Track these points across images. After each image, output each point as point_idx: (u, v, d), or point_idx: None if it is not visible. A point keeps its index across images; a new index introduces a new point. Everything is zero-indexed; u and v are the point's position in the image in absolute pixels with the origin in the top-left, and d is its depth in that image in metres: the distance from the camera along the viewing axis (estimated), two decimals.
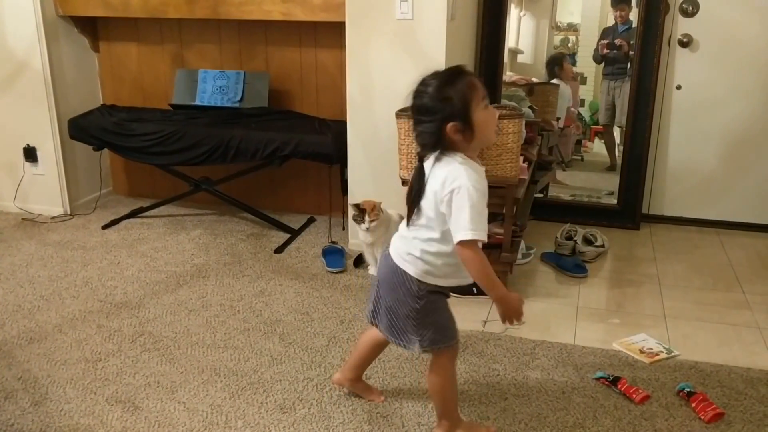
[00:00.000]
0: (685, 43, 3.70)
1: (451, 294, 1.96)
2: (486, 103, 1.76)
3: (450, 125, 1.72)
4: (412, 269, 1.85)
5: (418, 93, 1.77)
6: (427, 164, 1.81)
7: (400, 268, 1.87)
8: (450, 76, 1.75)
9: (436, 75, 1.77)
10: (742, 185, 3.81)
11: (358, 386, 2.21)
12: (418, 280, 1.85)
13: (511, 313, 1.80)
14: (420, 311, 1.87)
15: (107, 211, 4.00)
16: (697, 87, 3.75)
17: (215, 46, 3.91)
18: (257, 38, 3.82)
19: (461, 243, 1.72)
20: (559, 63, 4.28)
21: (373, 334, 2.10)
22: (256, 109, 3.69)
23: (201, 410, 2.15)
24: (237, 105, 3.74)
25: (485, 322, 2.72)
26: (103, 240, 3.60)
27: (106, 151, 3.86)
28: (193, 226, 3.81)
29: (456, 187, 1.72)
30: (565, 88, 4.27)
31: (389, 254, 1.93)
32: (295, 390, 2.26)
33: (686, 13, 3.67)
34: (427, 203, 1.79)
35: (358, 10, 3.14)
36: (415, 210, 1.83)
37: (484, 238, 1.72)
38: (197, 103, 3.79)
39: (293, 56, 3.79)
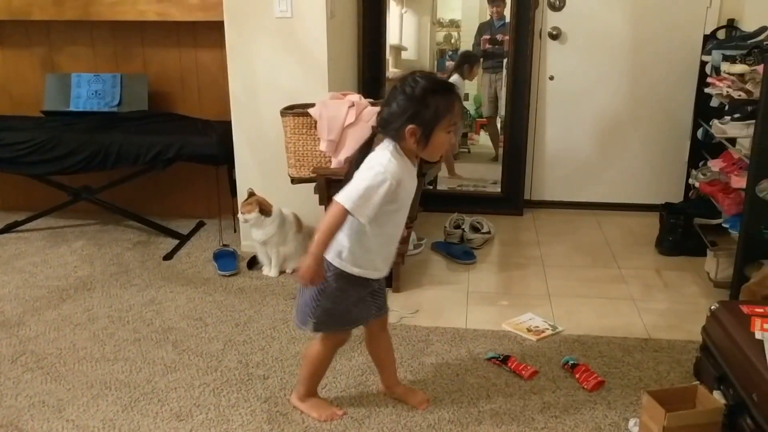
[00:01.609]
0: (555, 35, 3.89)
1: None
2: (452, 129, 1.81)
3: (411, 126, 1.77)
4: (329, 252, 1.89)
5: (406, 82, 1.80)
6: (377, 140, 1.86)
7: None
8: (439, 87, 1.80)
9: (429, 78, 1.82)
10: (615, 168, 4.06)
11: (397, 391, 2.20)
12: (329, 262, 1.89)
13: (309, 274, 1.82)
14: (321, 292, 1.92)
15: None
16: (568, 77, 3.96)
17: (88, 49, 3.74)
18: (133, 39, 3.69)
19: (335, 199, 1.79)
20: (470, 62, 4.34)
21: (367, 338, 2.16)
22: (135, 112, 3.57)
23: (92, 426, 2.06)
24: (115, 109, 3.60)
25: None
26: None
27: None
28: (75, 237, 3.64)
29: (371, 165, 1.80)
30: (461, 85, 4.36)
31: None
32: (191, 396, 2.22)
33: (554, 8, 3.87)
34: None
35: (236, 9, 3.10)
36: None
37: (353, 212, 1.77)
38: (72, 108, 3.62)
39: (172, 57, 3.69)
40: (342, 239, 1.88)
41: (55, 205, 3.70)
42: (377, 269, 1.96)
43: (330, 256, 1.89)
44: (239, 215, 3.02)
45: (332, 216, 1.79)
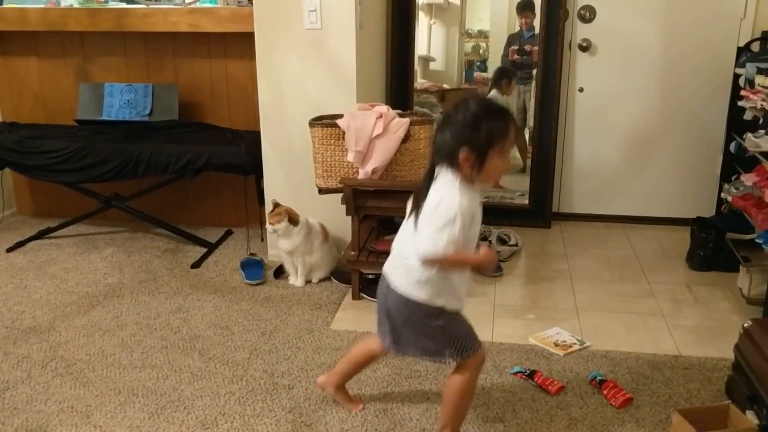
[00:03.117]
0: (585, 47, 3.87)
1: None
2: (506, 153, 1.79)
3: (464, 150, 1.74)
4: (422, 295, 1.87)
5: (459, 106, 1.79)
6: (438, 170, 1.83)
7: (410, 299, 1.88)
8: (493, 111, 1.78)
9: (483, 103, 1.81)
10: (644, 181, 4.01)
11: (339, 393, 2.21)
12: (432, 306, 1.87)
13: (487, 266, 1.87)
14: (443, 332, 1.90)
15: (12, 233, 3.82)
16: (597, 89, 3.92)
17: (121, 59, 3.81)
18: (164, 50, 3.75)
19: (423, 255, 1.77)
20: (508, 77, 4.33)
21: (371, 346, 2.11)
22: (166, 122, 3.61)
23: None
24: (146, 119, 3.65)
25: None
26: (8, 263, 3.43)
27: (7, 170, 3.69)
28: (105, 244, 3.69)
29: (439, 208, 1.76)
30: (501, 100, 4.34)
31: (390, 287, 1.93)
32: (216, 405, 2.23)
33: (584, 19, 3.84)
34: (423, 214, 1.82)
35: (266, 20, 3.13)
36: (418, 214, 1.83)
37: (444, 253, 1.74)
38: (104, 117, 3.68)
39: (203, 68, 3.74)
40: (433, 283, 1.86)
41: (86, 212, 3.75)
42: (461, 299, 1.94)
43: (430, 300, 1.87)
44: (267, 226, 3.03)
45: (441, 264, 1.79)
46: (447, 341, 1.92)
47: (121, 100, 3.69)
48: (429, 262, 1.78)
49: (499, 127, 1.75)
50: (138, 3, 3.79)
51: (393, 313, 1.94)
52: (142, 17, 3.50)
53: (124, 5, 3.79)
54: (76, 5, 3.82)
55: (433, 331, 1.91)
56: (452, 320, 1.92)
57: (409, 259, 1.85)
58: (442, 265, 1.79)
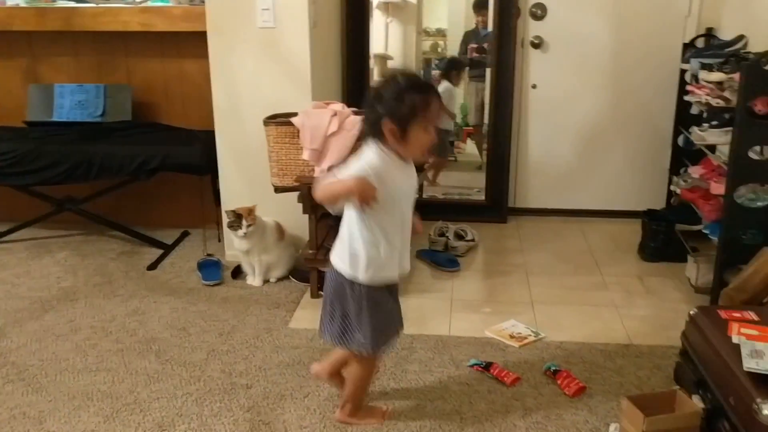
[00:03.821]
0: (537, 44, 3.93)
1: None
2: (430, 127, 1.84)
3: (387, 122, 1.81)
4: (348, 268, 1.93)
5: (386, 81, 1.86)
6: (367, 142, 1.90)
7: (339, 272, 1.94)
8: (417, 86, 1.84)
9: (409, 77, 1.86)
10: (597, 175, 4.09)
11: (334, 380, 2.22)
12: (356, 282, 1.93)
13: (365, 195, 1.83)
14: (360, 316, 1.94)
15: None
16: (550, 85, 3.99)
17: (71, 59, 3.74)
18: (116, 50, 3.69)
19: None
20: (457, 68, 4.38)
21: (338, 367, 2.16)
22: (119, 122, 3.56)
23: None
24: (99, 119, 3.60)
25: None
26: None
27: None
28: (59, 248, 3.62)
29: (355, 162, 1.86)
30: (453, 91, 4.40)
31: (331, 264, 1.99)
32: (174, 406, 2.21)
33: (536, 17, 3.90)
34: None
35: (219, 19, 3.11)
36: None
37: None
38: (55, 119, 3.61)
39: (156, 67, 3.69)
40: (359, 254, 1.90)
41: (38, 216, 3.68)
42: (400, 266, 1.99)
43: (354, 274, 1.92)
44: (242, 230, 2.97)
45: (317, 189, 1.88)
46: (359, 324, 1.95)
47: (73, 101, 3.63)
48: (317, 197, 1.87)
49: (422, 100, 1.81)
50: (88, 2, 3.73)
51: (326, 290, 2.00)
52: (92, 17, 3.44)
53: (73, 4, 3.72)
54: (22, 4, 3.73)
55: (352, 308, 1.94)
56: (375, 308, 1.95)
57: (342, 232, 1.94)
58: (318, 196, 1.87)
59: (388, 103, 1.81)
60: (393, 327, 2.05)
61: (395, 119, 1.80)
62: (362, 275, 1.91)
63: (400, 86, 1.81)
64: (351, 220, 1.92)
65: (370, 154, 1.86)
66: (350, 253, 1.92)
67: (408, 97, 1.80)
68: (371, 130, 1.86)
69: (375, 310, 1.94)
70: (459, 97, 4.59)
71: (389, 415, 2.15)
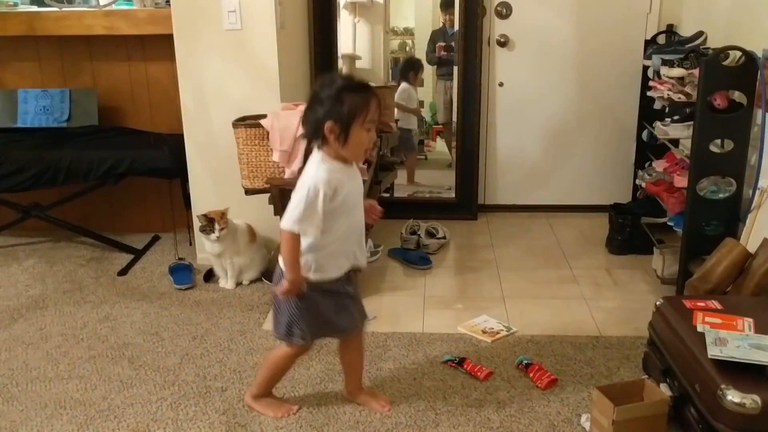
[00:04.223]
0: (503, 43, 3.97)
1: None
2: (370, 127, 1.87)
3: (328, 123, 1.82)
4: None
5: (324, 83, 1.87)
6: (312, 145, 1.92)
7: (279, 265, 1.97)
8: (355, 86, 1.86)
9: (346, 78, 1.89)
10: (564, 171, 4.16)
11: (360, 397, 2.23)
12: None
13: (288, 294, 1.94)
14: (300, 308, 1.98)
15: None
16: (517, 83, 4.04)
17: (34, 64, 3.68)
18: (81, 54, 3.64)
19: (281, 227, 1.89)
20: (414, 69, 4.42)
21: (341, 343, 2.19)
22: (85, 127, 3.52)
23: None
24: (64, 124, 3.55)
25: None
26: None
27: None
28: (26, 255, 3.57)
29: (302, 182, 1.87)
30: (413, 92, 4.44)
31: None
32: (148, 412, 2.20)
33: (501, 15, 3.95)
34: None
35: (185, 22, 3.10)
36: None
37: (295, 230, 1.86)
38: (19, 125, 3.56)
39: (122, 71, 3.65)
40: (305, 255, 1.93)
41: (4, 224, 3.62)
42: (356, 261, 2.03)
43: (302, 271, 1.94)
44: (215, 233, 2.97)
45: (286, 242, 1.88)
46: (298, 323, 1.99)
47: (37, 107, 3.58)
48: (284, 238, 1.88)
49: (361, 100, 1.84)
50: (49, 6, 3.68)
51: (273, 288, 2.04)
52: (55, 21, 3.40)
53: (35, 8, 3.67)
54: None
55: (292, 307, 1.98)
56: (316, 305, 1.99)
57: None
58: (285, 252, 1.90)
59: (328, 105, 1.83)
60: (320, 324, 2.04)
61: (336, 120, 1.82)
62: (309, 275, 1.95)
63: (339, 87, 1.83)
64: None
65: (313, 170, 1.87)
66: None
67: (347, 98, 1.82)
68: (312, 132, 1.88)
69: (299, 303, 1.97)
70: (426, 96, 4.62)
71: (294, 414, 2.16)
